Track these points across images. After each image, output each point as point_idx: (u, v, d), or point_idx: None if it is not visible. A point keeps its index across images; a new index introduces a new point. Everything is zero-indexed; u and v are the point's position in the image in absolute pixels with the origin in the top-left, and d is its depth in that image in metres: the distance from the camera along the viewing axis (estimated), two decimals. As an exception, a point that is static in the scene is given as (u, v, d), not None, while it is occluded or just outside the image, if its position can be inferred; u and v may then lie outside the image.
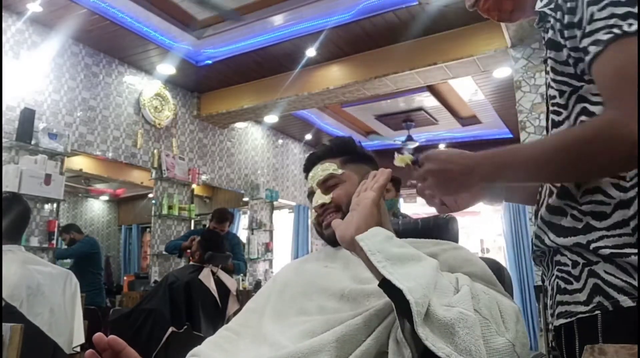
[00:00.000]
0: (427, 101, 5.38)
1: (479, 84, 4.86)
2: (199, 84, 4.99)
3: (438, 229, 1.10)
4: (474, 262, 0.83)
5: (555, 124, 0.82)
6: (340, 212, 0.96)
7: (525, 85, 3.48)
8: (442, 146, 7.10)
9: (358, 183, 0.96)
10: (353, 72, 4.36)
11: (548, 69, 0.84)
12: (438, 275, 0.69)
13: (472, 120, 6.07)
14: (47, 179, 3.51)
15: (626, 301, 0.70)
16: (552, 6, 0.80)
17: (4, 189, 3.26)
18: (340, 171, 1.01)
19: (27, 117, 3.49)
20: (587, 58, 0.72)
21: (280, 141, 6.57)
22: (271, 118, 5.57)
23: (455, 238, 1.11)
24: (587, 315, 0.72)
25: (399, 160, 0.90)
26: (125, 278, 4.84)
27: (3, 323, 1.46)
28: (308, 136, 6.70)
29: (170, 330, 2.60)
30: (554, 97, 0.82)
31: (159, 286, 2.87)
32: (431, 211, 1.08)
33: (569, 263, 0.77)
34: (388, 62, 4.15)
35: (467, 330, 0.62)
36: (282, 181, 6.51)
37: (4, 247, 2.13)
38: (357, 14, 3.72)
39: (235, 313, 2.58)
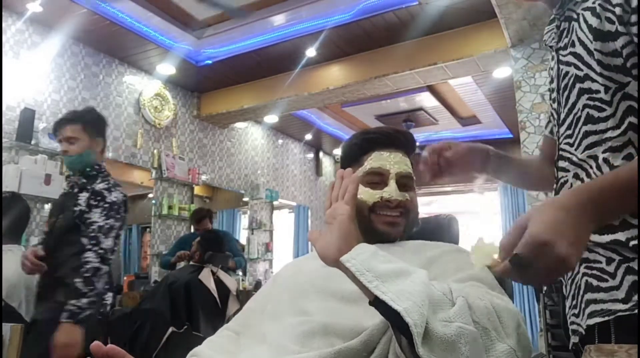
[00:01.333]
0: (427, 101, 5.38)
1: (479, 84, 4.85)
2: (199, 84, 4.99)
3: (439, 229, 1.10)
4: (474, 265, 0.83)
5: (595, 121, 0.77)
6: (404, 218, 0.94)
7: (525, 85, 3.48)
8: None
9: (416, 200, 0.96)
10: (353, 72, 4.35)
11: (583, 56, 0.78)
12: (430, 287, 0.67)
13: (472, 120, 6.07)
14: (47, 179, 3.51)
15: None
16: None
17: (4, 189, 3.26)
18: (413, 175, 0.98)
19: (27, 117, 3.49)
20: None
21: (280, 141, 6.57)
22: (271, 118, 5.57)
23: (456, 237, 1.11)
24: (627, 313, 0.69)
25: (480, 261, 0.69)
26: (125, 278, 4.83)
27: (3, 323, 1.46)
28: (308, 136, 6.70)
29: (170, 330, 2.60)
30: (597, 91, 0.76)
31: (159, 286, 2.87)
32: (431, 211, 1.08)
33: (602, 259, 0.73)
34: (388, 62, 4.15)
35: (469, 346, 0.60)
36: (282, 181, 6.50)
37: (4, 247, 2.13)
38: (357, 14, 3.72)
39: (235, 313, 2.58)
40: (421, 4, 3.52)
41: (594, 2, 0.74)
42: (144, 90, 4.60)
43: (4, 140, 3.39)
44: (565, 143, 0.82)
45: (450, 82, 4.81)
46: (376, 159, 0.97)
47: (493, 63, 3.93)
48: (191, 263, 3.08)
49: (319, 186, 7.33)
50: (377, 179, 0.96)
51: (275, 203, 6.25)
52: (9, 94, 3.47)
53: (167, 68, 4.48)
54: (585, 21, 0.76)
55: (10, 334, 1.43)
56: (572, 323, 0.78)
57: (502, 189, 6.59)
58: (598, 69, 0.75)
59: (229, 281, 3.01)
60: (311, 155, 7.26)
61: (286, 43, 4.11)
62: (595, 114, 0.76)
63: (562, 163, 0.82)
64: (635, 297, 0.69)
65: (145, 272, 4.77)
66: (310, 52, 4.23)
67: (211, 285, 2.86)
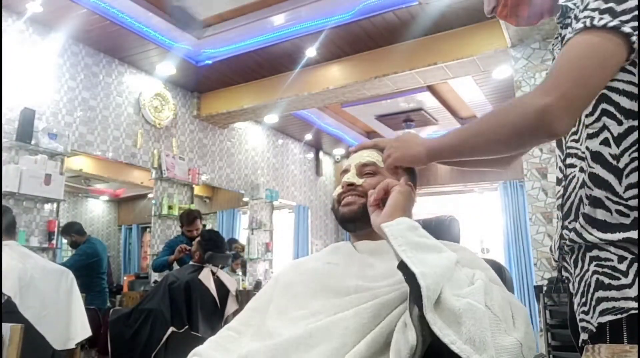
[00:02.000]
0: (427, 101, 5.38)
1: (479, 84, 4.86)
2: (199, 84, 4.99)
3: (440, 229, 1.10)
4: (479, 264, 0.84)
5: (586, 126, 0.82)
6: (364, 198, 0.96)
7: (525, 85, 3.48)
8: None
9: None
10: (353, 72, 4.35)
11: None
12: (456, 268, 0.70)
13: (472, 120, 6.06)
14: (47, 179, 3.51)
15: None
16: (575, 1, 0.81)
17: (4, 189, 3.26)
18: (382, 165, 1.02)
19: (27, 117, 3.49)
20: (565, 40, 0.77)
21: (280, 141, 6.57)
22: (271, 118, 5.57)
23: (457, 237, 1.11)
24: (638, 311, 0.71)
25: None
26: (125, 278, 4.84)
27: (3, 323, 1.46)
28: (308, 136, 6.70)
29: (170, 330, 2.60)
30: None
31: (158, 286, 2.86)
32: (431, 211, 1.09)
33: (614, 258, 0.75)
34: (388, 62, 4.15)
35: (474, 321, 0.63)
36: (282, 181, 6.50)
37: (4, 243, 2.15)
38: (357, 14, 3.72)
39: (234, 314, 2.58)
40: (421, 4, 3.52)
41: (582, 12, 0.79)
42: (144, 90, 4.60)
43: (4, 140, 3.39)
44: (572, 140, 0.86)
45: (450, 82, 4.81)
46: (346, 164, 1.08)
47: (493, 63, 3.93)
48: (191, 263, 3.08)
49: (319, 186, 7.33)
50: (343, 175, 1.05)
51: (275, 203, 6.25)
52: (9, 94, 3.47)
53: (167, 68, 4.48)
54: (566, 28, 0.85)
55: (10, 334, 1.43)
56: (582, 320, 0.80)
57: (502, 189, 6.59)
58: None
59: (229, 281, 3.01)
60: (311, 155, 7.26)
61: (286, 43, 4.11)
62: (584, 118, 0.82)
63: (569, 160, 0.86)
64: None
65: (145, 272, 4.77)
66: (310, 52, 4.23)
67: (211, 285, 2.85)
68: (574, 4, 0.82)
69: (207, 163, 5.32)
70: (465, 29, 3.84)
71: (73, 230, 3.84)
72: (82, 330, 2.33)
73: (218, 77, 4.78)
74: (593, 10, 0.74)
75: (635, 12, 0.73)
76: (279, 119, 5.63)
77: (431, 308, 0.64)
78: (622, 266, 0.74)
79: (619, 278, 0.74)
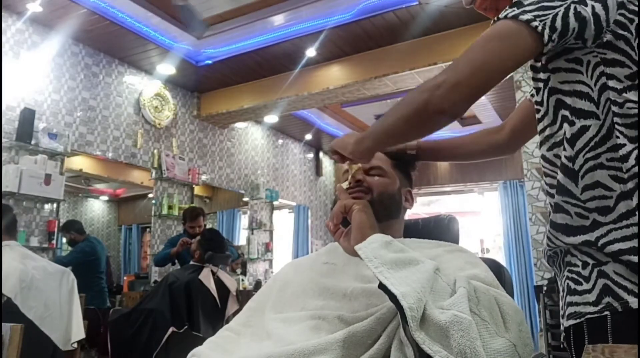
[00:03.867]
0: (427, 101, 5.37)
1: (479, 84, 4.85)
2: (199, 84, 4.99)
3: (439, 229, 1.10)
4: (477, 264, 0.83)
5: (537, 120, 0.84)
6: (369, 195, 0.98)
7: (525, 85, 3.48)
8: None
9: (397, 187, 1.03)
10: (353, 72, 4.36)
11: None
12: (435, 277, 0.69)
13: (472, 120, 6.07)
14: (47, 179, 3.51)
15: (635, 303, 0.70)
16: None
17: (4, 189, 3.26)
18: (388, 169, 1.04)
19: (27, 117, 3.49)
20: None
21: (280, 141, 6.57)
22: (271, 118, 5.57)
23: (456, 238, 1.11)
24: (595, 315, 0.72)
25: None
26: (125, 278, 4.84)
27: (3, 323, 1.46)
28: (308, 136, 6.70)
29: (170, 330, 2.60)
30: (532, 95, 0.86)
31: (159, 286, 2.87)
32: (431, 211, 1.09)
33: (579, 263, 0.77)
34: (388, 62, 4.15)
35: (462, 333, 0.62)
36: (282, 181, 6.51)
37: (4, 243, 2.15)
38: (357, 14, 3.72)
39: (234, 314, 2.58)
40: (421, 4, 3.52)
41: None
42: (144, 90, 4.60)
43: (4, 140, 3.39)
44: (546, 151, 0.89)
45: (450, 82, 4.81)
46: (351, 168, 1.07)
47: (493, 63, 3.93)
48: (191, 262, 3.08)
49: (319, 186, 7.34)
50: (347, 176, 1.05)
51: (275, 203, 6.25)
52: (9, 94, 3.47)
53: (167, 68, 4.48)
54: None
55: (10, 334, 1.43)
56: (561, 323, 0.82)
57: (502, 189, 6.59)
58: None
59: (229, 281, 3.01)
60: (311, 155, 7.26)
61: (286, 43, 4.11)
62: (537, 115, 0.84)
63: (546, 170, 0.87)
64: (605, 299, 0.72)
65: (145, 272, 4.77)
66: (310, 52, 4.23)
67: (211, 285, 2.85)
68: None
69: (207, 163, 5.32)
70: (465, 29, 3.84)
71: (73, 228, 3.84)
72: (78, 331, 2.33)
73: (218, 77, 4.78)
74: (517, 5, 0.77)
75: (542, 4, 0.75)
76: (279, 119, 5.63)
77: (417, 328, 0.63)
78: (585, 272, 0.76)
79: (581, 284, 0.76)
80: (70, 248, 3.85)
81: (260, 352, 0.79)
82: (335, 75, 4.45)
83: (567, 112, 0.78)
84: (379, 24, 3.85)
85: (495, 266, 0.96)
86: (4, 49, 3.44)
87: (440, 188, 7.06)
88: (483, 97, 5.23)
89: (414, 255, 0.73)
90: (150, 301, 2.74)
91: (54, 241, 3.64)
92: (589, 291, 0.74)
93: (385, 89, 4.46)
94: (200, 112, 5.18)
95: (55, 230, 3.65)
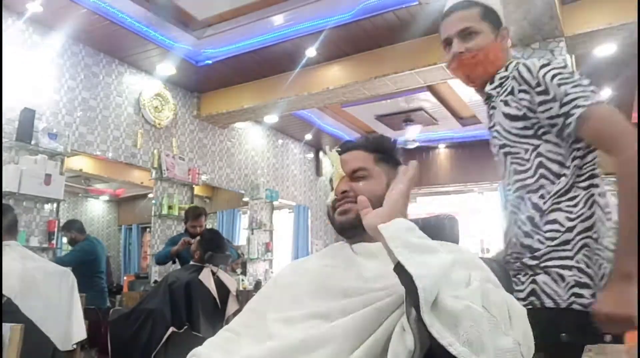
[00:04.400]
0: (427, 101, 5.38)
1: (479, 84, 4.85)
2: (199, 84, 4.99)
3: (439, 229, 1.10)
4: (479, 266, 0.83)
5: (518, 172, 1.19)
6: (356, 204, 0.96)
7: (525, 85, 3.48)
8: (442, 146, 7.10)
9: (385, 184, 0.99)
10: (353, 72, 4.35)
11: (501, 132, 1.21)
12: (453, 268, 0.70)
13: (472, 120, 6.07)
14: (47, 179, 3.51)
15: (549, 303, 1.08)
16: (508, 89, 1.19)
17: (4, 189, 3.26)
18: (372, 167, 1.01)
19: (27, 117, 3.49)
20: (574, 116, 1.06)
21: (280, 141, 6.57)
22: (271, 118, 5.58)
23: (456, 238, 1.11)
24: None
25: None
26: (125, 278, 4.84)
27: (3, 323, 1.46)
28: (308, 136, 6.70)
29: (170, 330, 2.60)
30: (517, 153, 1.18)
31: (159, 286, 2.86)
32: (431, 211, 1.09)
33: (522, 272, 1.14)
34: (388, 62, 4.15)
35: (472, 323, 0.62)
36: (282, 181, 6.51)
37: (4, 243, 2.15)
38: (357, 14, 3.72)
39: (235, 314, 2.58)
40: (421, 4, 3.52)
41: (505, 97, 1.20)
42: (144, 90, 4.60)
43: (4, 140, 3.39)
44: (507, 189, 1.23)
45: (450, 82, 4.81)
46: (332, 169, 1.05)
47: (493, 63, 3.93)
48: (191, 263, 3.07)
49: (319, 186, 7.34)
50: (334, 182, 1.03)
51: (275, 203, 6.25)
52: (9, 94, 3.47)
53: (167, 68, 4.48)
54: (501, 109, 1.21)
55: (10, 334, 1.43)
56: None
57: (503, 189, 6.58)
58: (514, 138, 1.18)
59: (229, 281, 3.01)
60: (311, 155, 7.26)
61: (286, 43, 4.11)
62: (519, 168, 1.19)
63: (506, 204, 1.23)
64: (530, 299, 1.11)
65: (145, 272, 4.77)
66: (310, 52, 4.23)
67: (211, 285, 2.85)
68: (510, 92, 1.19)
69: (207, 163, 5.32)
70: (465, 29, 3.84)
71: (74, 227, 3.84)
72: (78, 331, 2.33)
73: (218, 77, 4.78)
74: (582, 92, 1.09)
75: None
76: (279, 119, 5.63)
77: (428, 310, 0.63)
78: (523, 279, 1.14)
79: (519, 286, 1.14)
80: (70, 248, 3.85)
81: (261, 352, 0.79)
82: (335, 75, 4.45)
83: (546, 172, 1.14)
84: (379, 24, 3.85)
85: (495, 267, 0.96)
86: (4, 49, 3.44)
87: (440, 188, 7.07)
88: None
89: (435, 244, 0.74)
90: (150, 301, 2.74)
91: (54, 241, 3.64)
92: (521, 291, 1.12)
93: (385, 89, 4.46)
94: (200, 112, 5.18)
95: (55, 229, 3.65)
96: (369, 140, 1.06)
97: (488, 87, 1.25)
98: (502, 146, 1.21)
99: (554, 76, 1.10)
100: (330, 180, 1.03)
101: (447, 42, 1.28)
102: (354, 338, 0.74)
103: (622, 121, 1.03)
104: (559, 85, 1.08)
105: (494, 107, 1.24)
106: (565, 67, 1.12)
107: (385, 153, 1.05)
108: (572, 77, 1.10)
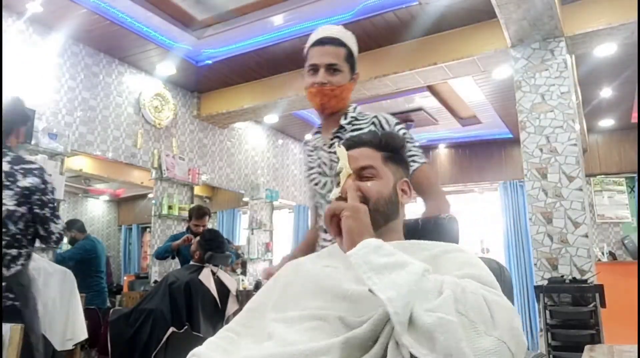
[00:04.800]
0: (427, 101, 5.38)
1: (479, 84, 4.86)
2: (199, 84, 4.99)
3: (439, 229, 1.10)
4: (474, 265, 0.83)
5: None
6: (364, 205, 0.95)
7: (525, 85, 3.48)
8: (442, 146, 7.10)
9: (392, 185, 0.99)
10: (353, 72, 4.35)
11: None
12: (423, 279, 0.70)
13: (472, 120, 6.06)
14: (47, 179, 3.50)
15: None
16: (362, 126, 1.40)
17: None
18: (380, 166, 1.00)
19: (27, 117, 3.49)
20: (412, 168, 1.27)
21: (280, 141, 6.57)
22: (271, 118, 5.57)
23: (456, 238, 1.11)
24: None
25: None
26: (125, 278, 4.84)
27: (3, 323, 1.46)
28: (308, 136, 6.68)
29: (170, 330, 2.60)
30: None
31: (158, 286, 2.86)
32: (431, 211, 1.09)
33: None
34: (388, 62, 4.14)
35: (447, 335, 0.63)
36: (282, 181, 6.51)
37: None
38: (357, 14, 3.72)
39: (235, 314, 2.58)
40: (421, 4, 3.52)
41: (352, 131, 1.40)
42: (144, 90, 4.60)
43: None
44: None
45: (450, 83, 4.81)
46: (337, 166, 1.03)
47: (493, 63, 3.93)
48: (191, 263, 3.07)
49: (319, 186, 7.33)
50: (339, 179, 1.01)
51: (275, 203, 6.25)
52: (9, 94, 3.46)
53: (167, 68, 4.48)
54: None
55: (10, 334, 1.43)
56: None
57: (502, 189, 6.59)
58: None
59: (229, 281, 3.01)
60: (311, 155, 7.25)
61: (286, 43, 4.11)
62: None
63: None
64: None
65: (145, 272, 4.77)
66: (310, 52, 4.22)
67: (211, 285, 2.85)
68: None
69: (207, 163, 5.32)
70: (465, 29, 3.84)
71: (75, 227, 3.84)
72: (80, 331, 2.33)
73: (218, 77, 4.78)
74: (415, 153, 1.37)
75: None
76: (279, 119, 5.63)
77: (404, 332, 0.65)
78: None
79: None
80: (71, 247, 3.86)
81: (261, 352, 0.79)
82: (335, 75, 4.44)
83: None
84: (379, 24, 3.85)
85: (495, 266, 0.96)
86: (4, 49, 3.44)
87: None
88: (483, 98, 5.24)
89: (403, 257, 0.74)
90: (150, 301, 2.74)
91: (54, 241, 3.63)
92: None
93: (385, 89, 4.46)
94: (200, 112, 5.18)
95: (55, 230, 3.64)
96: (378, 137, 1.05)
97: (343, 121, 1.44)
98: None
99: (404, 134, 1.33)
100: (337, 174, 1.02)
101: (314, 69, 1.42)
102: (352, 351, 0.74)
103: (436, 178, 1.32)
104: (406, 142, 1.19)
105: (340, 138, 1.41)
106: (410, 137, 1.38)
107: (394, 151, 1.04)
108: (413, 141, 1.38)
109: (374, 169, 0.99)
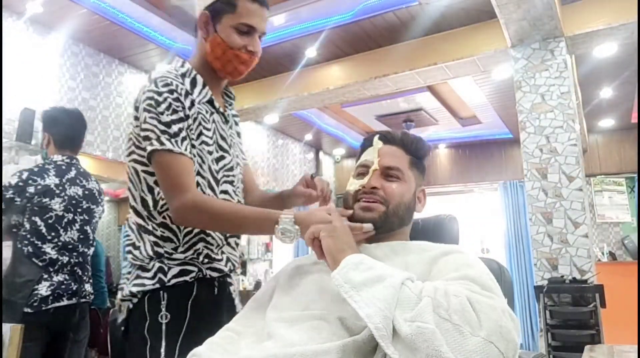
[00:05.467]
0: (427, 101, 5.37)
1: (479, 84, 4.86)
2: (199, 84, 4.98)
3: (439, 229, 1.10)
4: (472, 266, 0.83)
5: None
6: (383, 205, 0.96)
7: (525, 85, 3.48)
8: (442, 146, 7.10)
9: (413, 191, 1.00)
10: (353, 72, 4.36)
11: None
12: (403, 288, 0.71)
13: (472, 120, 6.06)
14: (47, 179, 3.50)
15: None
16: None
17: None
18: (405, 170, 1.01)
19: (27, 117, 3.49)
20: (145, 154, 1.09)
21: (280, 141, 6.57)
22: (271, 118, 5.58)
23: (456, 238, 1.11)
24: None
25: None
26: (125, 278, 4.83)
27: (3, 323, 1.46)
28: (308, 136, 6.70)
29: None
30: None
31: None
32: (431, 211, 1.09)
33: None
34: (388, 62, 4.15)
35: (427, 343, 0.64)
36: (282, 181, 6.51)
37: (4, 243, 2.14)
38: (357, 14, 3.72)
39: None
40: (421, 4, 3.53)
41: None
42: (144, 90, 4.59)
43: (4, 140, 3.39)
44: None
45: (450, 83, 4.81)
46: (366, 154, 1.04)
47: (493, 63, 3.94)
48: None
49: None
50: (363, 171, 1.02)
51: (275, 203, 6.24)
52: (9, 94, 3.47)
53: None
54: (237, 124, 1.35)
55: (10, 334, 1.43)
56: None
57: (502, 189, 6.59)
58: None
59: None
60: (311, 155, 7.26)
61: (286, 43, 4.11)
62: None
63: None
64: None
65: (145, 272, 4.76)
66: (310, 52, 4.23)
67: (211, 285, 2.85)
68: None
69: (207, 163, 5.31)
70: (465, 29, 3.84)
71: None
72: None
73: (218, 77, 4.77)
74: (151, 130, 1.11)
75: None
76: (279, 119, 5.63)
77: (388, 345, 0.66)
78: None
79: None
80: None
81: (261, 352, 0.79)
82: (335, 75, 4.45)
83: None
84: (379, 24, 3.85)
85: (495, 266, 0.96)
86: (4, 49, 3.44)
87: (441, 188, 7.06)
88: (483, 98, 5.24)
89: (382, 270, 0.75)
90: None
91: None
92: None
93: (385, 89, 4.46)
94: (200, 112, 5.18)
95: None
96: (410, 140, 1.05)
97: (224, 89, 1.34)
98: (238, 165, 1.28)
99: (165, 99, 1.15)
100: (361, 165, 1.02)
101: (249, 31, 1.15)
102: (352, 355, 0.74)
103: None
104: (144, 109, 1.14)
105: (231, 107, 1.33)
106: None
107: (420, 158, 1.05)
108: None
109: (400, 171, 1.00)
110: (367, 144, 1.06)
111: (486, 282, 0.78)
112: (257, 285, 5.36)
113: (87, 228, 2.01)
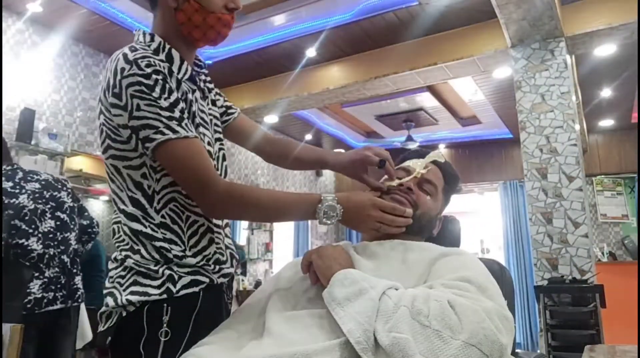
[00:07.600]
0: (427, 101, 5.38)
1: (479, 84, 4.86)
2: (199, 84, 4.98)
3: (442, 230, 1.11)
4: (470, 267, 0.83)
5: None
6: (412, 208, 0.99)
7: (526, 85, 3.48)
8: (442, 146, 7.10)
9: (437, 213, 1.06)
10: (353, 72, 4.36)
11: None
12: (383, 299, 0.73)
13: (472, 120, 6.07)
14: (47, 179, 3.51)
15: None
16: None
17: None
18: (439, 191, 1.07)
19: (27, 117, 3.49)
20: (150, 145, 0.92)
21: (280, 141, 6.56)
22: (271, 118, 5.57)
23: (457, 238, 1.11)
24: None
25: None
26: (125, 278, 4.83)
27: (3, 323, 1.46)
28: (308, 136, 6.70)
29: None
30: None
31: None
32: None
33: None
34: (388, 62, 4.15)
35: (402, 353, 0.66)
36: (282, 181, 6.51)
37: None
38: (357, 14, 3.72)
39: (235, 313, 2.57)
40: (421, 4, 3.53)
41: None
42: (144, 90, 4.60)
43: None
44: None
45: (450, 83, 4.82)
46: (411, 161, 1.10)
47: (493, 63, 3.94)
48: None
49: (319, 186, 7.34)
50: (402, 174, 1.06)
51: (275, 203, 6.24)
52: (9, 94, 3.47)
53: (167, 68, 4.48)
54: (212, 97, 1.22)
55: (10, 334, 1.43)
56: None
57: (502, 189, 6.59)
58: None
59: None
60: (311, 155, 7.25)
61: (286, 43, 4.11)
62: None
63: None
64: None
65: (145, 272, 4.76)
66: (310, 52, 4.23)
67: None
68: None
69: (207, 163, 5.32)
70: (465, 29, 3.84)
71: None
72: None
73: (218, 77, 4.77)
74: (155, 119, 0.96)
75: None
76: (279, 119, 5.63)
77: (376, 354, 0.69)
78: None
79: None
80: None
81: (261, 351, 0.79)
82: (335, 75, 4.45)
83: None
84: (379, 24, 3.85)
85: (495, 267, 0.96)
86: (4, 49, 3.44)
87: (440, 188, 7.06)
88: (483, 98, 5.24)
89: (366, 283, 0.77)
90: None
91: (54, 241, 3.63)
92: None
93: (385, 89, 4.46)
94: (200, 112, 5.18)
95: (55, 230, 3.65)
96: (451, 169, 1.11)
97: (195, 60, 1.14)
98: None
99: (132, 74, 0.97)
100: (402, 168, 1.08)
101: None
102: (353, 353, 0.74)
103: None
104: (132, 96, 0.94)
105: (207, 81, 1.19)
106: None
107: (450, 189, 1.11)
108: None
109: (435, 188, 1.06)
110: (413, 155, 1.11)
111: (483, 283, 0.78)
112: (257, 285, 5.36)
113: (59, 214, 2.00)
